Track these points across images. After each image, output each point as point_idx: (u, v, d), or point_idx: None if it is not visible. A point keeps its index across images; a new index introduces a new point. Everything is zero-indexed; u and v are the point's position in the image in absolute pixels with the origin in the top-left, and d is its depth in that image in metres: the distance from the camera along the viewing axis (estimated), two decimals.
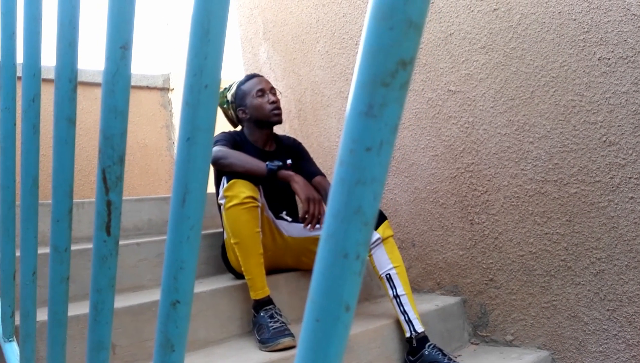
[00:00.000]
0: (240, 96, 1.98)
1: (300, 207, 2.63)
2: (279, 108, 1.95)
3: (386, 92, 0.25)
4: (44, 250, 1.55)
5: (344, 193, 0.28)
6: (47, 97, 2.56)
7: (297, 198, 2.20)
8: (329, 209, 0.29)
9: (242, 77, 2.06)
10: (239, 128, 2.07)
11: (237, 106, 1.99)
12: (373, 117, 0.26)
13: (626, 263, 1.60)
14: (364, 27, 0.26)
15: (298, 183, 1.73)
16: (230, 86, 2.05)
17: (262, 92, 1.94)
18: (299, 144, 2.14)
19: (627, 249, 1.60)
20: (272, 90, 1.98)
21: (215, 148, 1.78)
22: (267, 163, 1.75)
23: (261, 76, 2.02)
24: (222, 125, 2.15)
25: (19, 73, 0.94)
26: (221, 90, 2.07)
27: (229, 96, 2.02)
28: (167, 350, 0.48)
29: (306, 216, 1.71)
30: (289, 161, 2.03)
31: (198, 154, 0.42)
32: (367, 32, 0.26)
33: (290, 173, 1.75)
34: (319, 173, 2.03)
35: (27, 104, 0.92)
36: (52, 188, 0.75)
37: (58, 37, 0.74)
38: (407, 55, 0.25)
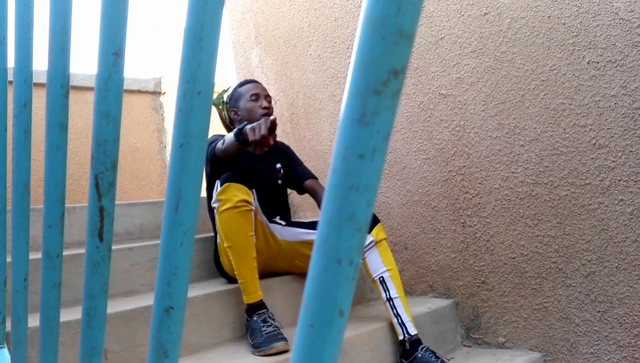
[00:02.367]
0: (235, 98, 2.01)
1: (293, 211, 2.64)
2: (270, 115, 1.95)
3: (378, 101, 0.26)
4: (35, 256, 1.54)
5: (337, 200, 0.28)
6: (39, 102, 2.55)
7: (290, 199, 2.21)
8: (322, 215, 0.29)
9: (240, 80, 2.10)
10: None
11: (230, 107, 2.02)
12: (366, 125, 0.26)
13: (616, 264, 1.62)
14: (356, 38, 0.27)
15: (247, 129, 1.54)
16: (229, 88, 2.09)
17: (256, 97, 1.96)
18: (287, 147, 2.15)
19: (617, 251, 1.61)
20: (267, 97, 1.99)
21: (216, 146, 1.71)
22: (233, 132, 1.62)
23: (259, 83, 2.04)
24: (215, 129, 2.15)
25: (10, 77, 0.93)
26: (218, 93, 2.10)
27: (225, 97, 2.05)
28: (160, 356, 0.48)
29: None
30: (278, 165, 2.04)
31: (192, 160, 0.42)
32: (359, 43, 0.26)
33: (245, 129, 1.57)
34: (309, 175, 2.03)
35: (18, 110, 0.91)
36: (44, 194, 0.75)
37: (50, 43, 0.74)
38: (398, 64, 0.26)
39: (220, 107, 2.06)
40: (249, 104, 1.95)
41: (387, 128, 0.27)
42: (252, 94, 1.96)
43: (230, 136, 1.65)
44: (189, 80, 0.41)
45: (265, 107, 1.94)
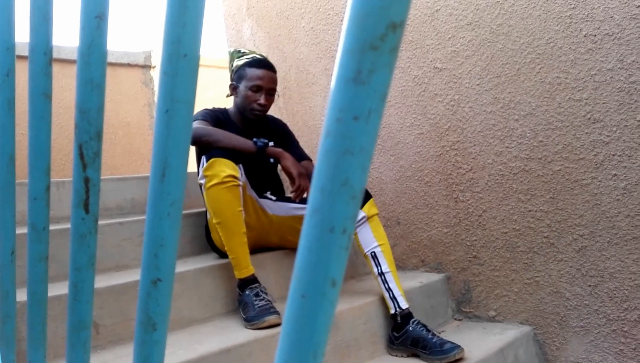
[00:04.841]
0: (239, 74, 1.90)
1: (287, 186, 2.62)
2: (262, 111, 1.88)
3: (375, 57, 0.24)
4: (23, 230, 1.52)
5: (331, 165, 0.27)
6: (25, 75, 2.49)
7: (282, 175, 2.18)
8: (314, 182, 0.28)
9: (258, 52, 1.98)
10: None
11: (232, 78, 1.94)
12: (361, 83, 0.25)
13: (608, 239, 1.62)
14: None
15: (288, 159, 1.75)
16: (244, 54, 1.93)
17: (257, 88, 1.86)
18: (284, 126, 2.10)
19: (609, 226, 1.62)
20: (270, 91, 1.88)
21: (195, 125, 1.75)
22: (254, 139, 1.74)
23: (271, 72, 1.89)
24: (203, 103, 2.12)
25: None
26: (236, 50, 1.97)
27: (234, 64, 1.93)
28: (148, 329, 0.47)
29: (295, 190, 1.75)
30: (271, 143, 2.00)
31: (177, 126, 0.40)
32: None
33: (279, 149, 1.77)
34: (305, 157, 2.00)
35: (1, 79, 0.88)
36: (29, 166, 0.73)
37: (31, 9, 0.71)
38: (397, 17, 0.24)
39: (230, 64, 1.97)
40: (247, 93, 1.86)
41: (383, 87, 0.25)
42: (255, 85, 1.85)
43: (243, 141, 1.73)
44: (174, 42, 0.39)
45: (260, 104, 1.86)
